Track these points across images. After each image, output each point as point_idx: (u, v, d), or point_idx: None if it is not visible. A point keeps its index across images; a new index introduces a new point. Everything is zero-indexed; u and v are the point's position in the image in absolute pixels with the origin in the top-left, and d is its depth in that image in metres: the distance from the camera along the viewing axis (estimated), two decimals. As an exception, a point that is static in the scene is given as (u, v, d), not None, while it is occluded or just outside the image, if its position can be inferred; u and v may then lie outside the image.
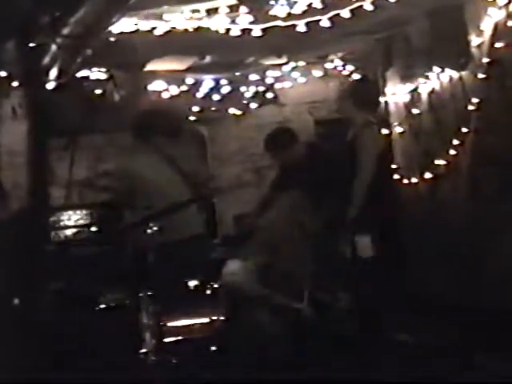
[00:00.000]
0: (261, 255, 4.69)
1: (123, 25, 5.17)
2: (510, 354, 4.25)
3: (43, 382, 3.87)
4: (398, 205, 6.82)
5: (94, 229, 6.07)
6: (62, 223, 6.07)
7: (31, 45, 4.26)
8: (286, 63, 7.05)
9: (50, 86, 4.92)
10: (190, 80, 7.08)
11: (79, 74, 5.96)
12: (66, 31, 4.44)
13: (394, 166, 6.76)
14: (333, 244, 4.83)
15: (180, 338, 4.54)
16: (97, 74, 6.28)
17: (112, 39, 5.32)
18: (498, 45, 5.16)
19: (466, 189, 5.80)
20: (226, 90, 7.27)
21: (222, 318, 4.46)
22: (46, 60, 4.70)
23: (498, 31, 5.15)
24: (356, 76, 7.21)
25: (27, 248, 4.05)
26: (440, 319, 5.13)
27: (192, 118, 7.25)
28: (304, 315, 4.52)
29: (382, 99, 6.33)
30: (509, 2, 5.00)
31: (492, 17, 5.19)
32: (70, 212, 6.13)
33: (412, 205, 6.69)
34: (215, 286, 4.73)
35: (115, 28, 5.14)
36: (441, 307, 5.52)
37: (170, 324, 4.55)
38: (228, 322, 4.45)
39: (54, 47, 4.60)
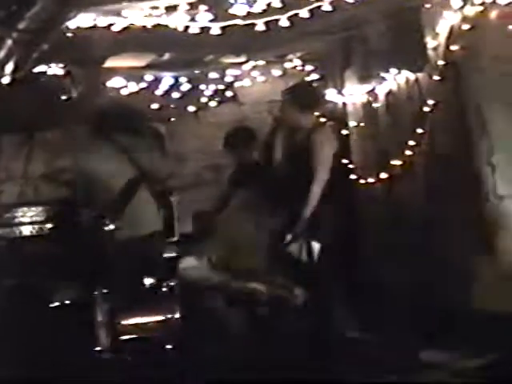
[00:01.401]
0: (217, 253, 4.71)
1: (81, 20, 5.12)
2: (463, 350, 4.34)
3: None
4: (354, 204, 6.90)
5: (49, 225, 6.00)
6: (16, 219, 5.99)
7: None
8: (246, 62, 7.06)
9: (6, 80, 4.86)
10: (149, 77, 7.05)
11: (36, 70, 5.89)
12: (21, 26, 4.39)
13: (350, 166, 6.83)
14: (288, 242, 4.86)
15: (135, 336, 4.53)
16: (54, 69, 6.21)
17: (69, 35, 5.27)
18: (453, 47, 5.24)
19: (422, 189, 5.88)
20: (185, 87, 7.26)
21: (176, 315, 4.47)
22: (2, 54, 4.64)
23: (454, 34, 5.23)
24: (314, 76, 7.26)
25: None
26: (394, 317, 5.18)
27: (151, 115, 7.21)
28: (260, 311, 4.54)
29: (322, 101, 6.41)
30: (463, 6, 5.08)
31: (447, 20, 5.27)
32: (25, 208, 6.05)
33: (368, 205, 6.76)
34: (171, 284, 4.74)
35: (73, 23, 5.09)
36: (396, 306, 5.58)
37: (124, 322, 4.54)
38: (183, 320, 4.45)
39: (9, 42, 4.54)
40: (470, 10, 5.02)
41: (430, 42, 5.55)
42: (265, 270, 4.83)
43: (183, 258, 5.28)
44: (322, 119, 5.03)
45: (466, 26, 5.10)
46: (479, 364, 4.23)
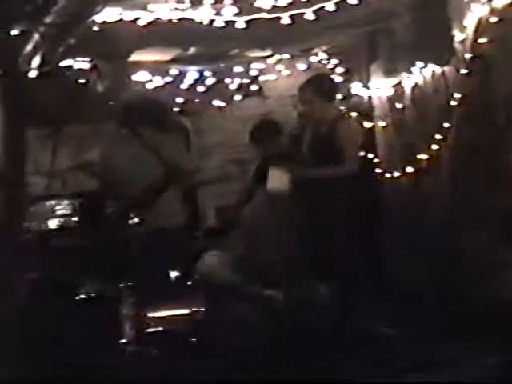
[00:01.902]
0: (241, 247, 4.70)
1: (107, 14, 5.15)
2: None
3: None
4: (380, 198, 6.87)
5: (75, 219, 6.05)
6: (43, 212, 6.04)
7: (13, 33, 4.24)
8: (271, 56, 7.05)
9: (33, 74, 4.89)
10: (174, 71, 7.07)
11: (62, 64, 5.93)
12: (48, 20, 4.42)
13: (376, 160, 6.80)
14: (313, 236, 4.85)
15: (160, 328, 4.55)
16: (80, 63, 6.25)
17: (96, 29, 5.30)
18: (480, 40, 5.19)
19: (448, 183, 5.84)
20: (210, 81, 7.27)
21: (201, 308, 4.48)
22: (28, 48, 4.67)
23: (481, 27, 5.18)
24: (340, 69, 7.23)
25: (6, 238, 4.04)
26: (419, 312, 5.15)
27: (176, 109, 7.23)
28: (281, 306, 4.54)
29: (346, 93, 6.39)
30: (491, -2, 5.03)
31: (475, 12, 5.22)
32: (52, 202, 6.10)
33: (393, 198, 6.72)
34: (196, 277, 4.75)
35: (99, 17, 5.12)
36: (422, 301, 5.55)
37: (150, 315, 4.57)
38: (207, 313, 4.47)
39: (36, 36, 4.57)
40: (498, 3, 4.96)
41: (458, 35, 5.49)
42: (287, 268, 4.81)
43: (206, 252, 5.29)
44: (348, 112, 4.99)
45: (493, 19, 5.04)
46: (498, 362, 4.18)
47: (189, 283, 4.81)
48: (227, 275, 4.61)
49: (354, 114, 5.05)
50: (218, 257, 4.80)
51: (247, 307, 4.52)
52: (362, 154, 4.96)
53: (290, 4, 5.34)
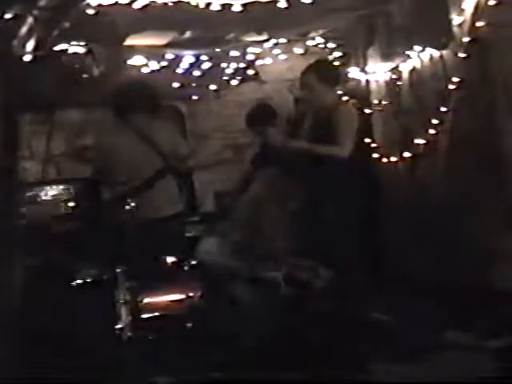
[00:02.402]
0: (239, 232, 4.68)
1: (102, -3, 5.10)
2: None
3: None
4: (377, 183, 6.84)
5: (71, 204, 6.02)
6: (38, 198, 6.01)
7: (7, 16, 4.19)
8: (267, 40, 7.00)
9: (27, 58, 4.84)
10: (169, 55, 7.01)
11: (57, 48, 5.87)
12: (42, 2, 4.37)
13: (373, 145, 6.77)
14: (311, 221, 4.83)
15: (156, 314, 4.53)
16: (75, 47, 6.19)
17: (90, 12, 5.25)
18: (478, 24, 5.15)
19: (446, 168, 5.82)
20: (206, 66, 7.21)
21: (198, 294, 4.46)
22: (23, 32, 4.62)
23: (479, 10, 5.14)
24: (337, 53, 7.19)
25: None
26: (417, 299, 5.15)
27: (171, 94, 7.18)
28: (281, 292, 4.52)
29: (344, 77, 6.34)
30: (490, -19, 4.99)
31: (473, -5, 5.19)
32: (47, 187, 6.07)
33: (391, 183, 6.70)
34: (193, 262, 4.72)
35: (94, 1, 5.06)
36: (419, 287, 5.55)
37: (146, 300, 4.55)
38: (204, 299, 4.44)
39: (30, 19, 4.51)
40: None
41: (455, 19, 5.45)
42: (287, 253, 4.79)
43: (204, 238, 5.27)
44: (345, 97, 4.96)
45: (491, 2, 5.00)
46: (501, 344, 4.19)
47: (185, 269, 4.78)
48: (225, 261, 4.59)
49: (352, 99, 5.00)
50: (216, 242, 4.78)
51: (246, 292, 4.50)
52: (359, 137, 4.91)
53: (286, -13, 5.29)
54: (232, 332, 4.29)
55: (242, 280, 4.55)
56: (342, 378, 3.87)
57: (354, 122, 4.91)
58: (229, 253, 4.66)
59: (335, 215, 4.76)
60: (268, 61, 7.41)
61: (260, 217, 4.80)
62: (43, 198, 6.03)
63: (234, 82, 7.45)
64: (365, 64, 6.97)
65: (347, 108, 4.98)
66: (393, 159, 6.54)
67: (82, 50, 6.10)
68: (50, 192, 6.05)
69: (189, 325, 4.34)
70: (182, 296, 4.48)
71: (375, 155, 6.75)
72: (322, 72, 4.99)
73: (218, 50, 7.07)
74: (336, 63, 6.35)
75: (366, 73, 6.98)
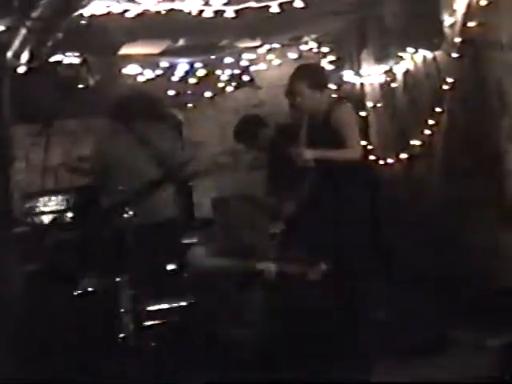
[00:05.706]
0: (221, 237, 4.67)
1: (95, 7, 5.11)
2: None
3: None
4: (374, 185, 6.85)
5: (70, 214, 6.03)
6: (37, 209, 6.02)
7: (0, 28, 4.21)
8: (261, 46, 7.03)
9: (22, 70, 4.86)
10: (164, 64, 7.04)
11: (52, 59, 5.90)
12: (35, 14, 4.39)
13: (369, 147, 6.79)
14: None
15: (158, 321, 4.54)
16: (70, 58, 6.22)
17: (83, 22, 5.26)
18: (470, 24, 5.17)
19: (442, 168, 5.83)
20: (201, 73, 7.24)
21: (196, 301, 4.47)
22: (16, 43, 4.64)
23: (471, 10, 5.17)
24: (330, 57, 7.21)
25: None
26: (415, 295, 5.15)
27: (168, 101, 7.21)
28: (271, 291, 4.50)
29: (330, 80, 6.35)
30: (481, -19, 5.01)
31: (464, -4, 5.21)
32: (46, 198, 6.08)
33: (387, 185, 6.71)
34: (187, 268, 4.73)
35: (87, 11, 5.08)
36: (417, 284, 5.55)
37: (148, 308, 4.56)
38: (199, 305, 4.45)
39: (23, 30, 4.54)
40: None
41: (447, 20, 5.48)
42: (275, 247, 4.79)
43: (197, 244, 5.26)
44: (340, 99, 4.96)
45: (483, 2, 5.03)
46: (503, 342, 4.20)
47: (185, 275, 4.80)
48: (216, 263, 4.57)
49: (347, 102, 4.99)
50: (205, 246, 4.77)
51: (239, 292, 4.49)
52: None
53: (278, -8, 5.32)
54: (232, 333, 4.29)
55: (238, 280, 4.53)
56: (342, 378, 3.87)
57: (354, 123, 4.89)
58: (223, 254, 4.64)
59: (336, 215, 4.78)
60: (262, 66, 7.44)
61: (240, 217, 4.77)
62: (41, 208, 6.04)
63: (228, 89, 7.47)
64: (359, 67, 7.00)
65: (345, 109, 4.94)
66: (389, 161, 6.56)
67: (76, 61, 6.12)
68: (48, 202, 6.06)
69: (189, 330, 4.35)
70: (184, 303, 4.50)
71: (371, 157, 6.77)
72: (308, 77, 4.90)
73: (212, 56, 7.10)
74: (322, 65, 6.35)
75: (360, 76, 7.00)
